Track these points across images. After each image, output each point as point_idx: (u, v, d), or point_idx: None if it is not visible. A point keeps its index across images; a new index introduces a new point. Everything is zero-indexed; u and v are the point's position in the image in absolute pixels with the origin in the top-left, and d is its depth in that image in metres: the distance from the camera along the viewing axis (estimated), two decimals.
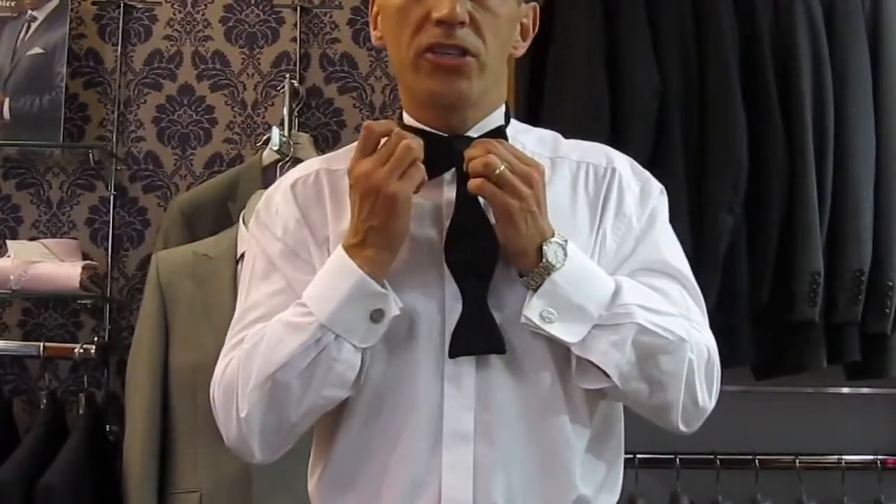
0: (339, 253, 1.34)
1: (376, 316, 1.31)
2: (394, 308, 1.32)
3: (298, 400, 1.33)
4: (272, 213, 1.47)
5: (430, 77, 1.36)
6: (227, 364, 1.39)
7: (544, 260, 1.32)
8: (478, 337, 1.34)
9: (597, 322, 1.33)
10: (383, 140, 1.33)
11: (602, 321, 1.33)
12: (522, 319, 1.33)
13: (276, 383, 1.33)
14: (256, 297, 1.43)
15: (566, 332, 1.32)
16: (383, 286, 1.32)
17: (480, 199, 1.35)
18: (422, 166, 1.33)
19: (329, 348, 1.31)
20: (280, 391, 1.33)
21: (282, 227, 1.45)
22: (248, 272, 1.47)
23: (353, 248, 1.33)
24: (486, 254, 1.35)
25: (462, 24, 1.33)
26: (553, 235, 1.33)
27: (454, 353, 1.34)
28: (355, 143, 1.50)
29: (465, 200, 1.36)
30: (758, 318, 2.51)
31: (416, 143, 1.33)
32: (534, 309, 1.32)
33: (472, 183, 1.33)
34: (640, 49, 2.52)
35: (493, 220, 1.35)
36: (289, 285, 1.41)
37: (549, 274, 1.32)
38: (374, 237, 1.32)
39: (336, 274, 1.33)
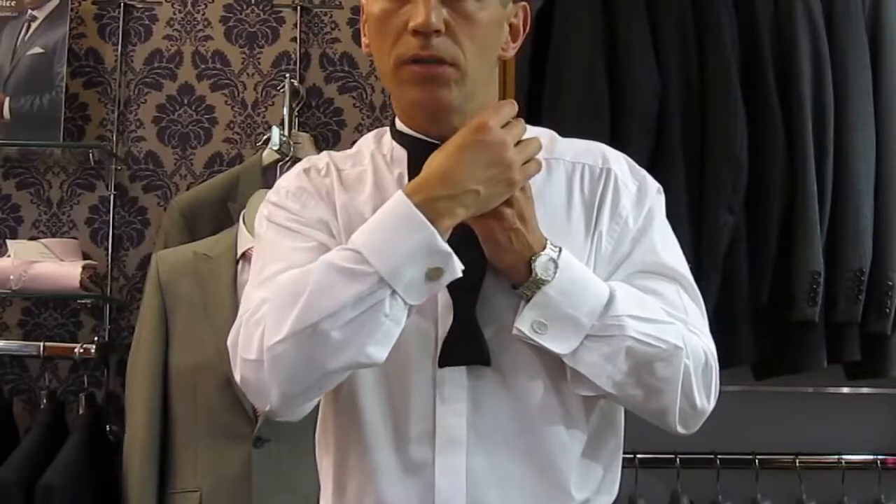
0: (402, 204, 1.27)
1: (432, 275, 1.26)
2: (457, 270, 1.27)
3: (335, 354, 1.26)
4: (283, 194, 1.45)
5: (411, 87, 1.36)
6: (260, 305, 1.31)
7: (534, 275, 1.32)
8: (466, 348, 1.34)
9: (589, 332, 1.32)
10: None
11: (594, 332, 1.32)
12: (514, 331, 1.32)
13: (318, 333, 1.24)
14: (276, 253, 1.37)
15: (557, 344, 1.32)
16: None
17: None
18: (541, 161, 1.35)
19: (383, 303, 1.25)
20: (319, 342, 1.25)
21: (300, 202, 1.42)
22: (261, 246, 1.43)
23: (435, 201, 1.27)
24: (474, 266, 1.33)
25: (438, 32, 1.33)
26: (544, 248, 1.33)
27: (443, 363, 1.34)
28: (354, 148, 1.51)
29: None
30: (758, 318, 2.50)
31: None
32: (525, 320, 1.32)
33: None
34: (640, 49, 2.52)
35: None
36: (318, 245, 1.37)
37: (539, 287, 1.32)
38: (473, 200, 1.28)
39: (400, 226, 1.26)
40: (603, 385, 1.33)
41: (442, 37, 1.33)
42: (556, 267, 1.32)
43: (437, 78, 1.35)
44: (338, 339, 1.25)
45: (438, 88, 1.35)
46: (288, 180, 1.47)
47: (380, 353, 1.28)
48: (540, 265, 1.32)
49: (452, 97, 1.36)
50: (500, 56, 1.44)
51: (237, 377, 1.33)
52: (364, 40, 1.46)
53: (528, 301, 1.32)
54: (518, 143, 1.32)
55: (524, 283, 1.32)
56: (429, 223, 1.26)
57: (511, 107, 1.34)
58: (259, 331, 1.28)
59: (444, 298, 1.36)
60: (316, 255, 1.32)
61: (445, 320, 1.36)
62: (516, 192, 1.32)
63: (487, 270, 1.36)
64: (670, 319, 1.37)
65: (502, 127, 1.31)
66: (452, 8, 1.34)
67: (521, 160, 1.31)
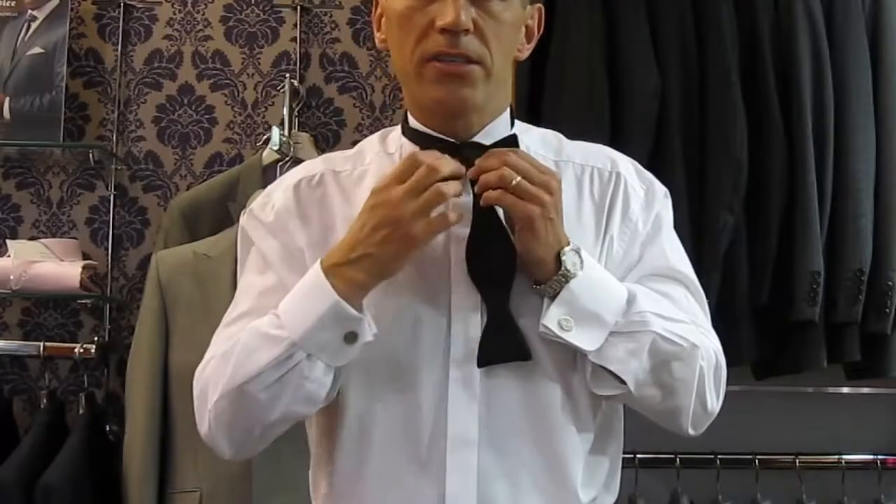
0: (315, 271, 1.32)
1: (350, 338, 1.30)
2: (367, 333, 1.31)
3: (265, 411, 1.33)
4: (268, 209, 1.46)
5: (435, 85, 1.35)
6: (209, 362, 1.40)
7: (563, 268, 1.32)
8: (505, 345, 1.34)
9: (613, 329, 1.33)
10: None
11: (618, 328, 1.33)
12: (541, 328, 1.32)
13: (245, 394, 1.32)
14: (248, 292, 1.43)
15: (584, 340, 1.32)
16: (359, 309, 1.30)
17: (498, 209, 1.35)
18: (449, 214, 1.30)
19: (300, 366, 1.30)
20: (248, 401, 1.33)
21: (279, 224, 1.44)
22: (242, 266, 1.46)
23: (338, 267, 1.30)
24: (507, 262, 1.34)
25: (466, 31, 1.33)
26: (569, 243, 1.33)
27: (483, 362, 1.34)
28: (356, 147, 1.51)
29: (482, 209, 1.35)
30: (758, 318, 2.50)
31: (453, 189, 1.30)
32: (552, 317, 1.32)
33: (490, 195, 1.32)
34: (641, 49, 2.52)
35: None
36: (280, 283, 1.40)
37: (566, 282, 1.32)
38: (370, 264, 1.30)
39: (311, 293, 1.31)
40: (629, 381, 1.33)
41: (470, 36, 1.33)
42: (582, 262, 1.33)
43: (464, 77, 1.34)
44: (264, 400, 1.32)
45: (464, 87, 1.35)
46: (277, 193, 1.47)
47: (307, 409, 1.35)
48: (568, 259, 1.32)
49: (477, 96, 1.36)
50: (515, 57, 1.44)
51: (201, 433, 1.41)
52: (379, 35, 1.45)
53: (553, 298, 1.32)
54: (419, 193, 1.28)
55: (550, 279, 1.32)
56: (333, 290, 1.29)
57: (409, 162, 1.31)
58: (206, 406, 1.38)
59: (457, 296, 1.36)
60: (280, 294, 1.36)
61: (463, 318, 1.35)
62: (553, 182, 1.32)
63: None
64: (685, 319, 1.38)
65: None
66: (479, 7, 1.34)
67: (419, 212, 1.28)
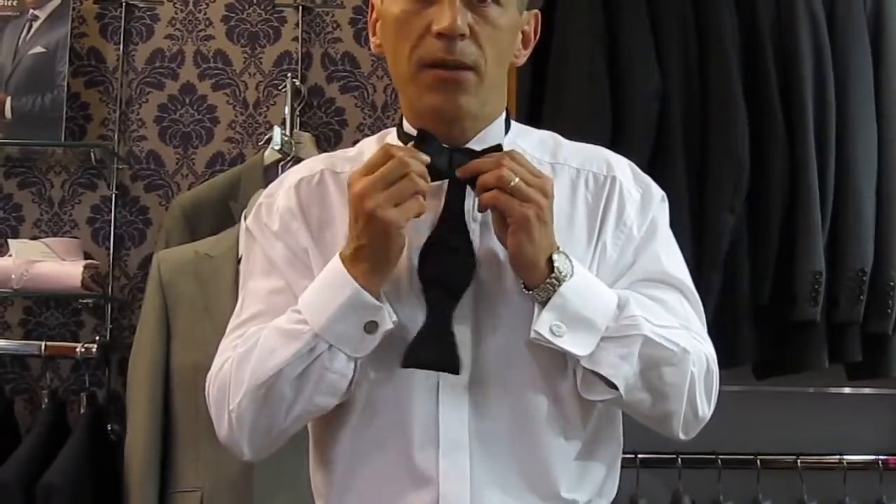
0: (335, 262, 1.33)
1: (370, 328, 1.31)
2: (388, 321, 1.31)
3: (289, 406, 1.34)
4: (273, 211, 1.46)
5: (430, 91, 1.35)
6: (223, 363, 1.40)
7: (555, 271, 1.31)
8: (435, 352, 1.32)
9: (604, 334, 1.32)
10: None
11: (609, 333, 1.32)
12: (532, 334, 1.32)
13: (269, 390, 1.33)
14: (255, 294, 1.43)
15: (576, 346, 1.32)
16: (378, 298, 1.31)
17: (468, 216, 1.35)
18: (421, 199, 1.29)
19: (322, 357, 1.31)
20: (272, 397, 1.33)
21: (283, 227, 1.44)
22: (247, 268, 1.47)
23: (349, 260, 1.32)
24: (461, 271, 1.33)
25: (462, 36, 1.32)
26: (558, 248, 1.33)
27: (406, 363, 1.33)
28: (356, 146, 1.51)
29: (450, 214, 1.35)
30: (759, 318, 2.50)
31: (419, 172, 1.29)
32: (543, 323, 1.31)
33: (486, 196, 1.31)
34: (641, 49, 2.52)
35: (475, 240, 1.35)
36: (288, 286, 1.40)
37: (559, 285, 1.31)
38: (366, 254, 1.30)
39: (332, 284, 1.32)
40: (620, 386, 1.33)
41: (466, 41, 1.33)
42: (572, 266, 1.32)
43: (460, 84, 1.34)
44: (288, 395, 1.33)
45: (459, 95, 1.35)
46: (280, 194, 1.47)
47: (330, 400, 1.35)
48: (560, 262, 1.32)
49: (472, 103, 1.36)
50: (511, 63, 1.44)
51: (219, 436, 1.41)
52: (374, 40, 1.45)
53: (544, 304, 1.32)
54: (388, 184, 1.28)
55: (541, 283, 1.31)
56: (353, 280, 1.30)
57: (381, 153, 1.31)
58: (226, 407, 1.38)
59: None
60: (288, 296, 1.38)
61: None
62: (547, 186, 1.31)
63: (487, 277, 1.36)
64: (677, 325, 1.38)
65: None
66: (476, 12, 1.34)
67: (388, 201, 1.28)
